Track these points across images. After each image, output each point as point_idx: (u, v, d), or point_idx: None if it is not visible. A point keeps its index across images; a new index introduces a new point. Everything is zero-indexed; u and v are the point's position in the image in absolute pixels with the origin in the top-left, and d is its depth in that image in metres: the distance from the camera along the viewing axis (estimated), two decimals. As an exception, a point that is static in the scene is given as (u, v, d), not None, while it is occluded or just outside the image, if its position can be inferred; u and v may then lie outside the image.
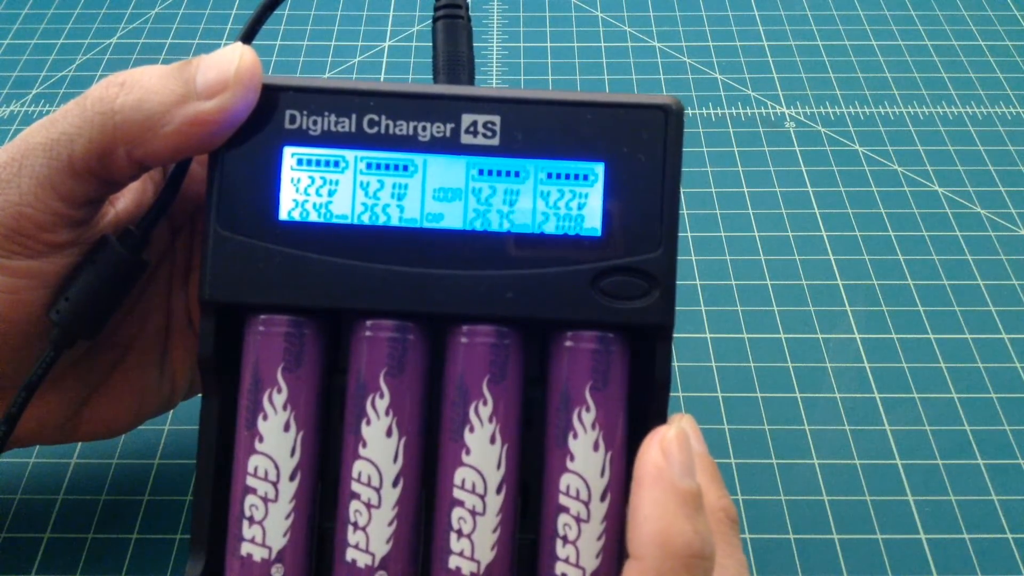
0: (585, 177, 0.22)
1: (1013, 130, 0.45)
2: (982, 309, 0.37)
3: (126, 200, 0.25)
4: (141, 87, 0.22)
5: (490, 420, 0.22)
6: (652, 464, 0.20)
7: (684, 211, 0.41)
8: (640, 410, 0.23)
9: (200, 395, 0.30)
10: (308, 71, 0.48)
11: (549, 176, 0.22)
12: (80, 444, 0.32)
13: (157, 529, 0.30)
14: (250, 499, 0.22)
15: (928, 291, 0.38)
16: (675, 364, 0.35)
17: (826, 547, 0.30)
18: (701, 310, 0.37)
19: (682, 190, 0.42)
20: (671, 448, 0.20)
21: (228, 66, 0.22)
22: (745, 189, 0.42)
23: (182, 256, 0.28)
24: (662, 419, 0.22)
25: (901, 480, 0.32)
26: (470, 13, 0.26)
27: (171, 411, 0.33)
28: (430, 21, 0.53)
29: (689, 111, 0.46)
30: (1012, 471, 0.32)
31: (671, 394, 0.33)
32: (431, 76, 0.26)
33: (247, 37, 0.24)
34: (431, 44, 0.25)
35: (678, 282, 0.38)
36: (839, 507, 0.31)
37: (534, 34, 0.51)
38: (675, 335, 0.36)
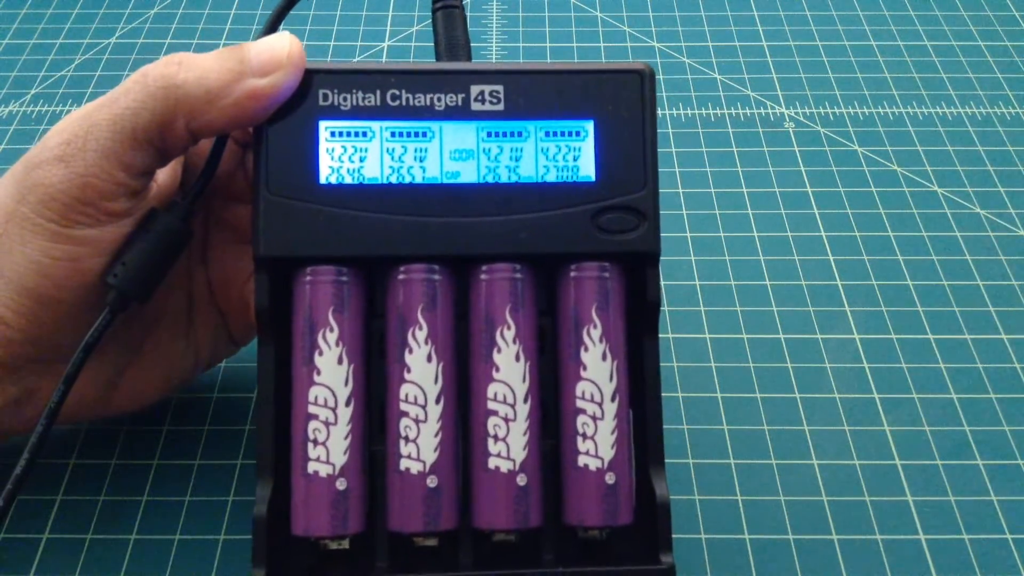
0: (578, 133, 0.26)
1: (1012, 130, 0.45)
2: (981, 310, 0.37)
3: (164, 178, 0.27)
4: (199, 66, 0.25)
5: (514, 341, 0.26)
6: None
7: (684, 211, 0.41)
8: (636, 325, 0.26)
9: (198, 393, 0.32)
10: (307, 71, 0.48)
11: (547, 134, 0.26)
12: (79, 444, 0.32)
13: (156, 529, 0.30)
14: (313, 424, 0.25)
15: (927, 291, 0.38)
16: (674, 364, 0.35)
17: (825, 548, 0.30)
18: (700, 310, 0.37)
19: (681, 190, 0.42)
20: None
21: (281, 50, 0.25)
22: (744, 189, 0.42)
23: (198, 236, 0.30)
24: (654, 332, 0.26)
25: (900, 481, 0.32)
26: (466, 12, 0.29)
27: (169, 411, 0.33)
28: (429, 22, 0.53)
29: (688, 111, 0.46)
30: (1011, 471, 0.32)
31: (670, 395, 0.34)
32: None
33: (270, 29, 0.27)
34: (432, 32, 0.29)
35: (677, 282, 0.38)
36: (838, 508, 0.31)
37: (533, 34, 0.51)
38: (674, 335, 0.36)
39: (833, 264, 0.39)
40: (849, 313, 0.37)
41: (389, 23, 0.51)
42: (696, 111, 0.46)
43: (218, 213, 0.30)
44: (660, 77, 0.48)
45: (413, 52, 0.49)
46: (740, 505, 0.31)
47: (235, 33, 0.51)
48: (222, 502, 0.31)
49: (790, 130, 0.45)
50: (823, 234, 0.40)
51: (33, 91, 0.47)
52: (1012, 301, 0.38)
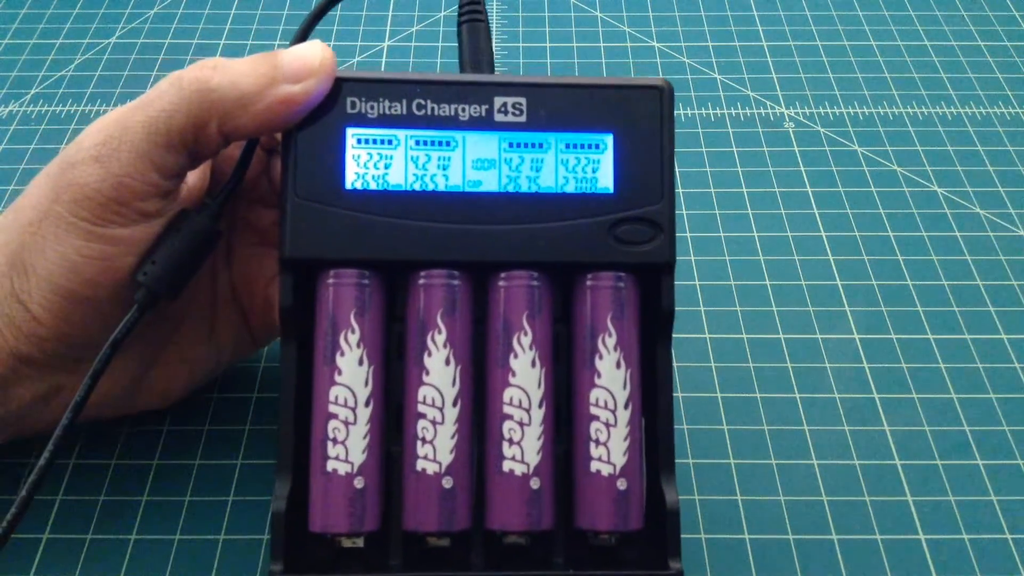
0: (597, 146, 0.26)
1: (1012, 130, 0.45)
2: (981, 309, 0.37)
3: (194, 180, 0.28)
4: (233, 70, 0.25)
5: (530, 347, 0.26)
6: None
7: (683, 211, 0.41)
8: (650, 334, 0.27)
9: (198, 393, 0.32)
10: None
11: (568, 146, 0.26)
12: (79, 444, 0.32)
13: (156, 530, 0.30)
14: (333, 423, 0.26)
15: (927, 291, 0.38)
16: (675, 364, 0.35)
17: (825, 547, 0.30)
18: (700, 310, 0.37)
19: (681, 191, 0.42)
20: None
21: (313, 57, 0.25)
22: (744, 189, 0.42)
23: (223, 238, 0.30)
24: (667, 340, 0.27)
25: (900, 480, 0.32)
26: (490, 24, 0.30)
27: (168, 412, 0.33)
28: (429, 23, 0.53)
29: (688, 111, 0.46)
30: (1011, 471, 0.32)
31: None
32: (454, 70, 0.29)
33: (301, 38, 0.27)
34: (457, 42, 0.29)
35: (677, 282, 0.38)
36: (838, 507, 0.31)
37: (534, 34, 0.51)
38: (674, 336, 0.36)
39: (833, 264, 0.39)
40: (849, 313, 0.37)
41: (389, 23, 0.51)
42: (696, 111, 0.46)
43: (243, 216, 0.31)
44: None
45: (413, 52, 0.49)
46: (740, 505, 0.31)
47: (235, 33, 0.51)
48: (222, 502, 0.31)
49: (790, 130, 0.45)
50: (823, 234, 0.40)
51: (33, 91, 0.47)
52: (1012, 301, 0.38)
